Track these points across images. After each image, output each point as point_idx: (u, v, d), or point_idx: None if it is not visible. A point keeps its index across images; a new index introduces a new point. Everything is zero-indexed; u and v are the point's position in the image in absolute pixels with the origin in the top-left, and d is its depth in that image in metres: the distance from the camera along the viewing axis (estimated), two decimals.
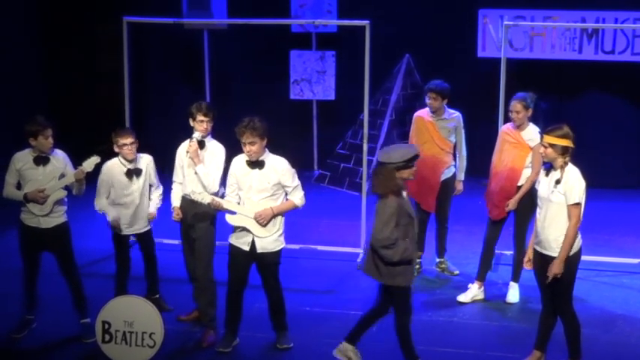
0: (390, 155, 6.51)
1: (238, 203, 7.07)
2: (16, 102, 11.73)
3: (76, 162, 7.39)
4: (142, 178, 7.71)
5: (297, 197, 7.10)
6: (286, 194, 7.10)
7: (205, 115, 7.43)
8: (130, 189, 7.67)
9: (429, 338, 7.53)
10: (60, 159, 7.38)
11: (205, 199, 7.07)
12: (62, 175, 7.31)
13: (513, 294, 8.37)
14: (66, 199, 7.43)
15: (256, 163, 6.98)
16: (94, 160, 7.30)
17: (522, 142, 8.11)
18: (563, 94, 12.42)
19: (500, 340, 7.42)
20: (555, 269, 6.46)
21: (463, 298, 8.41)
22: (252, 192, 7.00)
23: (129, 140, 7.60)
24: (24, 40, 12.29)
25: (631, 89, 12.31)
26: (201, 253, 7.50)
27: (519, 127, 8.13)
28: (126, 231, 7.76)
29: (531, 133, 8.09)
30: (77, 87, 13.14)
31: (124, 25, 9.77)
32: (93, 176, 7.67)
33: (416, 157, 6.52)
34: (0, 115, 11.40)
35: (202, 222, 7.45)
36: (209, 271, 7.52)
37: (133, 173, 7.67)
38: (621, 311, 8.20)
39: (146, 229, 7.88)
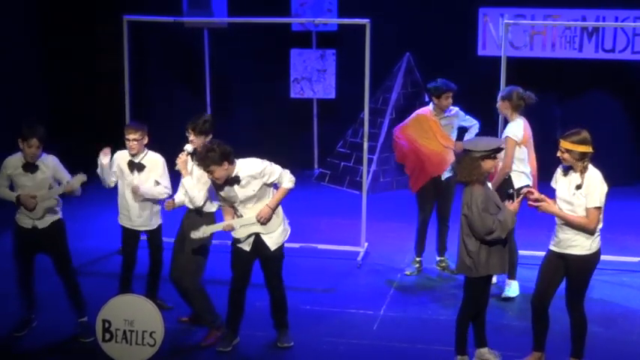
0: (476, 144, 6.71)
1: (236, 212, 7.07)
2: (17, 102, 11.72)
3: (75, 162, 7.36)
4: (144, 175, 7.67)
5: (286, 181, 7.04)
6: (276, 186, 7.08)
7: (193, 130, 7.36)
8: (128, 181, 7.66)
9: (429, 337, 7.54)
10: (49, 165, 7.33)
11: (207, 232, 7.07)
12: (53, 184, 7.27)
13: (509, 289, 8.42)
14: (59, 198, 7.39)
15: (233, 180, 6.91)
16: (81, 178, 7.22)
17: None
18: (564, 93, 12.42)
19: (501, 339, 7.41)
20: (546, 204, 6.57)
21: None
22: (242, 204, 6.99)
23: (131, 136, 7.58)
24: (24, 40, 12.29)
25: (631, 88, 12.30)
26: (190, 263, 7.36)
27: (508, 120, 8.27)
28: (127, 224, 7.73)
29: (511, 127, 8.20)
30: (77, 86, 13.13)
31: (125, 24, 9.77)
32: (94, 174, 7.68)
33: (500, 149, 6.70)
34: (0, 115, 11.40)
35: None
36: (196, 281, 7.39)
37: (135, 167, 7.65)
38: (622, 309, 8.20)
39: (153, 227, 7.84)
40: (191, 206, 7.33)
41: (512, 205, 6.67)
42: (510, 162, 8.11)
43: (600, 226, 6.58)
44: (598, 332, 7.54)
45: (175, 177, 7.70)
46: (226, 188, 6.96)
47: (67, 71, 13.00)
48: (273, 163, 7.03)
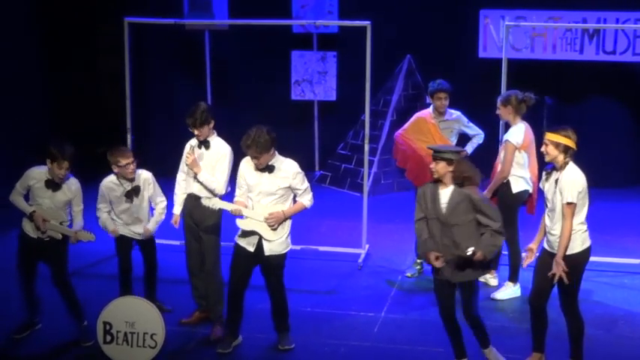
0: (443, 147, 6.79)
1: (246, 206, 7.08)
2: (18, 103, 11.73)
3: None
4: (140, 197, 7.65)
5: (307, 199, 7.12)
6: (295, 196, 7.10)
7: (194, 125, 7.36)
8: (127, 207, 7.61)
9: (430, 339, 7.55)
10: (72, 189, 7.31)
11: (216, 205, 7.07)
12: (62, 222, 7.25)
13: (503, 291, 8.41)
14: (69, 217, 7.41)
15: (266, 167, 6.96)
16: (90, 237, 7.19)
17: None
18: (564, 95, 12.42)
19: (501, 340, 7.41)
20: (554, 270, 6.46)
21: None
22: (261, 195, 7.00)
23: (130, 159, 7.49)
24: (25, 41, 12.30)
25: (632, 89, 12.31)
26: (209, 251, 7.53)
27: (509, 124, 8.25)
28: (124, 231, 7.70)
29: (512, 131, 8.20)
30: (78, 88, 13.14)
31: (125, 26, 9.77)
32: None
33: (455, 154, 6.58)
34: (1, 117, 11.40)
35: (209, 220, 7.46)
36: (217, 268, 7.55)
37: (133, 194, 7.59)
38: (622, 312, 8.20)
39: (150, 237, 7.84)
40: (206, 202, 7.26)
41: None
42: (509, 167, 8.10)
43: (579, 221, 6.53)
44: (599, 334, 7.54)
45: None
46: (256, 174, 6.97)
47: (68, 73, 13.01)
48: (305, 178, 7.09)
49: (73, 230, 7.24)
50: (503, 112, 8.22)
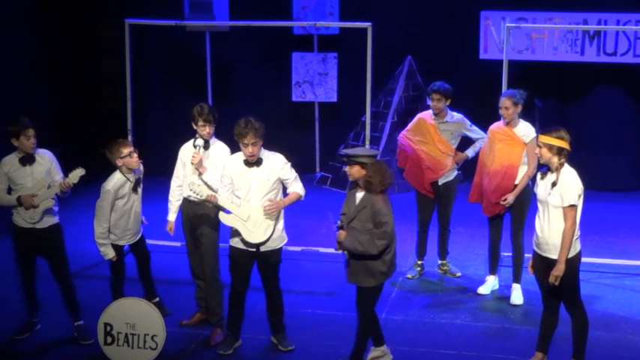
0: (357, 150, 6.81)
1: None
2: (18, 104, 11.71)
3: (76, 164, 7.33)
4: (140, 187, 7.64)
5: (299, 187, 7.13)
6: (285, 188, 7.11)
7: (205, 121, 7.36)
8: (131, 201, 7.50)
9: (431, 340, 7.54)
10: (46, 157, 7.35)
11: (203, 192, 7.04)
12: (49, 186, 7.24)
13: (517, 295, 8.37)
14: (56, 199, 7.38)
15: (254, 162, 6.97)
16: (79, 172, 7.15)
17: (517, 139, 8.15)
18: (565, 96, 12.42)
19: (503, 342, 7.42)
20: (556, 272, 6.44)
21: (483, 290, 8.57)
22: (252, 191, 6.99)
23: (127, 150, 7.35)
24: (26, 42, 12.30)
25: (633, 91, 12.30)
26: (208, 255, 7.51)
27: (510, 124, 8.18)
28: (118, 242, 7.50)
29: (524, 129, 8.15)
30: (79, 89, 13.14)
31: (126, 27, 9.76)
32: (94, 176, 7.66)
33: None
34: (0, 117, 11.39)
35: (206, 224, 7.45)
36: (216, 271, 7.55)
37: (137, 185, 7.53)
38: (623, 313, 8.19)
39: (138, 237, 7.70)
40: (194, 188, 7.17)
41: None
42: (535, 164, 8.02)
43: (577, 228, 6.51)
44: (600, 336, 7.53)
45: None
46: (244, 169, 6.97)
47: (69, 73, 13.02)
48: (292, 168, 7.12)
49: (60, 183, 7.19)
50: (513, 111, 8.11)
